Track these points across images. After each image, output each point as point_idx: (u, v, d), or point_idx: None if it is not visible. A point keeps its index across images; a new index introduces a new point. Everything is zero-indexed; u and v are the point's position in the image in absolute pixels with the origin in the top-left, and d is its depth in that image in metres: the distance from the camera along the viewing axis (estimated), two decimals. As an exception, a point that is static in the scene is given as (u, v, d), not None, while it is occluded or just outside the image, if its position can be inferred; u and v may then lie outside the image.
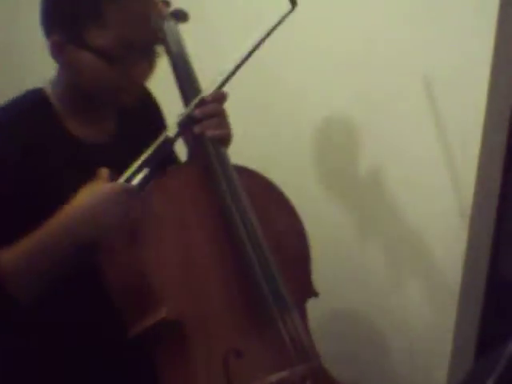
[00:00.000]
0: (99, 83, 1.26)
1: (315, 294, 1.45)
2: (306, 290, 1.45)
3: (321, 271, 2.02)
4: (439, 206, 1.82)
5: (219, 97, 1.35)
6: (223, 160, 1.35)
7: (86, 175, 1.24)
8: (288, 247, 1.41)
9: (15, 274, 1.18)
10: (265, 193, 1.42)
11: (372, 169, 1.90)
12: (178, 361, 1.25)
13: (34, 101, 1.31)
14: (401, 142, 1.85)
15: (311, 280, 1.45)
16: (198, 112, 1.32)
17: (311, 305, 1.94)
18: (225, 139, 1.37)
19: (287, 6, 1.33)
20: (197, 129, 1.32)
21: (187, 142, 1.44)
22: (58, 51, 1.25)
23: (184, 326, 1.23)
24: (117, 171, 1.24)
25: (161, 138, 1.26)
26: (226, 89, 1.35)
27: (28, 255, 1.18)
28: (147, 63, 1.28)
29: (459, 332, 1.85)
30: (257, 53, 1.33)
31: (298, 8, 1.34)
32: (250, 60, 1.28)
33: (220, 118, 1.35)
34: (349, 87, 1.89)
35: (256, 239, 1.32)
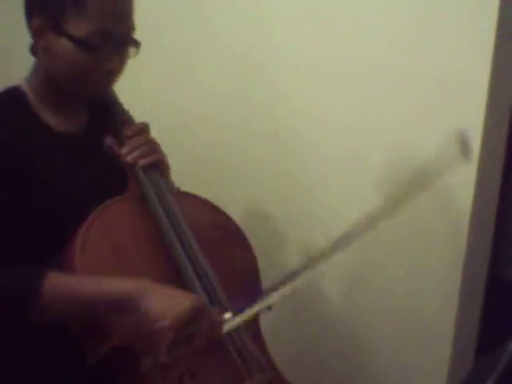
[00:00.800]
0: (73, 71, 1.29)
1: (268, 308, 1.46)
2: None
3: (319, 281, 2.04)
4: (439, 206, 1.82)
5: (141, 129, 1.40)
6: (157, 186, 1.37)
7: (60, 162, 1.30)
8: (237, 270, 1.42)
9: (51, 296, 1.16)
10: (210, 218, 1.44)
11: (372, 168, 1.91)
12: None
13: (10, 94, 1.35)
14: (400, 141, 1.85)
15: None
16: (124, 149, 1.36)
17: (314, 308, 1.95)
18: (158, 164, 1.40)
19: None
20: (129, 159, 1.35)
21: None
22: (37, 35, 1.29)
23: (136, 351, 1.23)
24: (88, 161, 1.35)
25: None
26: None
27: (70, 293, 1.18)
28: (120, 59, 1.32)
29: (459, 332, 1.85)
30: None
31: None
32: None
33: (148, 145, 1.39)
34: (350, 85, 1.89)
35: (197, 260, 1.33)
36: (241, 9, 2.04)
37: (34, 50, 1.35)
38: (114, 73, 1.33)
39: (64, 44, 1.26)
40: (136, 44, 1.34)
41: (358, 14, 1.85)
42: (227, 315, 1.24)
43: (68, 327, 1.24)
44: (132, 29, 1.33)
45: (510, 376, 0.93)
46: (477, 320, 1.95)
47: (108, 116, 1.43)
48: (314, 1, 1.92)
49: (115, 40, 1.29)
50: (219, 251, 1.40)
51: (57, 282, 1.17)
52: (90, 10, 1.24)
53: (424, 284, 1.86)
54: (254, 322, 1.42)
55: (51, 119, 1.35)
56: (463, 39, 1.71)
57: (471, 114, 1.72)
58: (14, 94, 1.35)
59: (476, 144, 1.73)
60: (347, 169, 1.93)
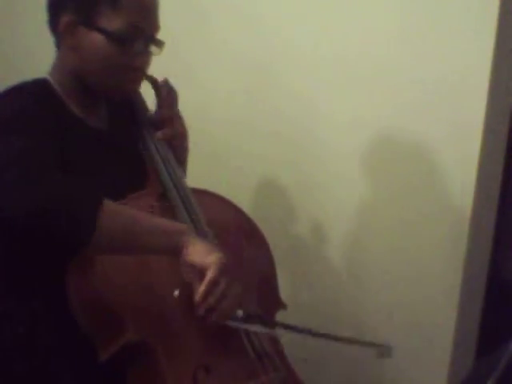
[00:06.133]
0: (103, 67, 1.31)
1: (284, 307, 1.49)
2: (275, 304, 1.48)
3: (322, 273, 2.04)
4: (439, 206, 1.82)
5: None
6: (179, 183, 1.40)
7: (90, 154, 1.31)
8: (255, 268, 1.43)
9: (112, 220, 1.17)
10: (229, 215, 1.45)
11: (373, 167, 1.91)
12: (149, 381, 1.27)
13: (40, 84, 1.35)
14: (400, 141, 1.85)
15: (279, 295, 1.50)
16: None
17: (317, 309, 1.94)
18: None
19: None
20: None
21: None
22: (68, 32, 1.30)
23: (150, 347, 1.24)
24: (112, 154, 1.37)
25: None
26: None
27: (130, 218, 1.21)
28: (147, 56, 1.35)
29: (459, 332, 1.85)
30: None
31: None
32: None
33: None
34: (350, 91, 1.90)
35: None
36: (243, 8, 2.04)
37: (58, 46, 1.36)
38: (140, 70, 1.35)
39: (95, 39, 1.29)
40: (160, 43, 1.37)
41: (361, 13, 1.85)
42: (239, 311, 1.26)
43: (79, 322, 1.25)
44: (158, 28, 1.36)
45: (510, 376, 0.93)
46: (477, 320, 1.95)
47: (133, 114, 1.46)
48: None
49: (145, 37, 1.32)
50: (237, 248, 1.41)
51: (115, 206, 1.19)
52: (124, 6, 1.28)
53: (424, 284, 1.86)
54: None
55: (79, 113, 1.36)
56: (464, 40, 1.71)
57: (471, 114, 1.72)
58: (43, 84, 1.35)
59: (476, 144, 1.74)
60: (354, 162, 1.93)
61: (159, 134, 1.43)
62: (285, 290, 1.53)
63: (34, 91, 1.32)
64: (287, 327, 1.30)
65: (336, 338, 1.27)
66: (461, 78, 1.72)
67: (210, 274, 1.19)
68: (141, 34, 1.31)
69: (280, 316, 1.46)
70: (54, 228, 1.13)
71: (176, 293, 1.23)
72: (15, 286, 1.33)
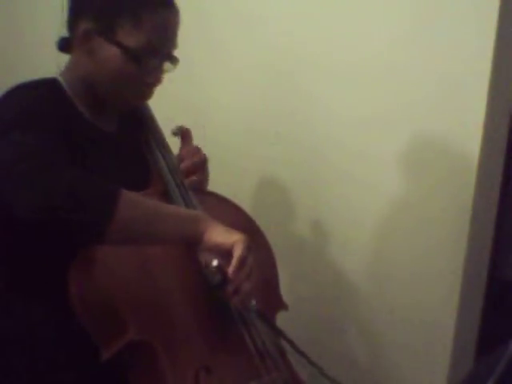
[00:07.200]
0: (115, 78, 1.31)
1: (285, 307, 1.49)
2: (276, 305, 1.49)
3: (324, 272, 2.04)
4: (439, 206, 1.82)
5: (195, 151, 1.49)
6: (180, 183, 1.41)
7: (97, 156, 1.31)
8: (259, 271, 1.42)
9: (130, 210, 1.15)
10: (230, 216, 1.45)
11: (375, 166, 1.91)
12: (151, 381, 1.26)
13: (49, 84, 1.34)
14: (401, 141, 1.85)
15: (280, 295, 1.50)
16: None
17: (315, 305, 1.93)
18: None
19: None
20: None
21: None
22: (85, 39, 1.30)
23: (152, 347, 1.24)
24: (119, 157, 1.37)
25: None
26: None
27: (148, 207, 1.21)
28: (160, 73, 1.35)
29: (459, 332, 1.85)
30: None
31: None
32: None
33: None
34: (353, 90, 1.90)
35: None
36: (248, 8, 2.04)
37: (66, 48, 1.36)
38: (152, 86, 1.36)
39: (112, 51, 1.28)
40: (175, 61, 1.36)
41: (365, 15, 1.85)
42: (253, 302, 1.28)
43: (82, 321, 1.24)
44: (176, 47, 1.36)
45: (510, 376, 0.93)
46: (477, 320, 1.95)
47: (141, 124, 1.47)
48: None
49: (161, 55, 1.32)
50: None
51: (133, 195, 1.18)
52: (145, 23, 1.27)
53: (425, 284, 1.86)
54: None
55: (89, 115, 1.36)
56: (464, 39, 1.71)
57: (471, 114, 1.72)
58: (53, 84, 1.35)
59: (476, 144, 1.74)
60: (357, 162, 1.93)
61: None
62: (286, 291, 1.53)
63: (42, 90, 1.32)
64: (288, 341, 1.32)
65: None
66: (461, 78, 1.72)
67: (238, 250, 1.22)
68: (158, 52, 1.31)
69: (281, 316, 1.47)
70: (67, 221, 1.11)
71: (215, 263, 1.23)
72: (16, 284, 1.33)
